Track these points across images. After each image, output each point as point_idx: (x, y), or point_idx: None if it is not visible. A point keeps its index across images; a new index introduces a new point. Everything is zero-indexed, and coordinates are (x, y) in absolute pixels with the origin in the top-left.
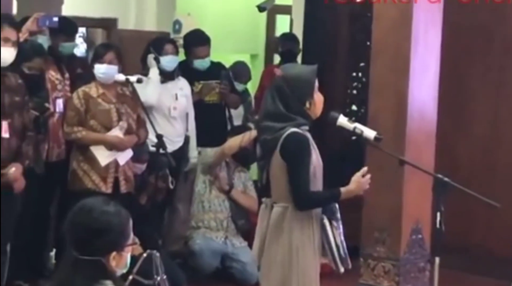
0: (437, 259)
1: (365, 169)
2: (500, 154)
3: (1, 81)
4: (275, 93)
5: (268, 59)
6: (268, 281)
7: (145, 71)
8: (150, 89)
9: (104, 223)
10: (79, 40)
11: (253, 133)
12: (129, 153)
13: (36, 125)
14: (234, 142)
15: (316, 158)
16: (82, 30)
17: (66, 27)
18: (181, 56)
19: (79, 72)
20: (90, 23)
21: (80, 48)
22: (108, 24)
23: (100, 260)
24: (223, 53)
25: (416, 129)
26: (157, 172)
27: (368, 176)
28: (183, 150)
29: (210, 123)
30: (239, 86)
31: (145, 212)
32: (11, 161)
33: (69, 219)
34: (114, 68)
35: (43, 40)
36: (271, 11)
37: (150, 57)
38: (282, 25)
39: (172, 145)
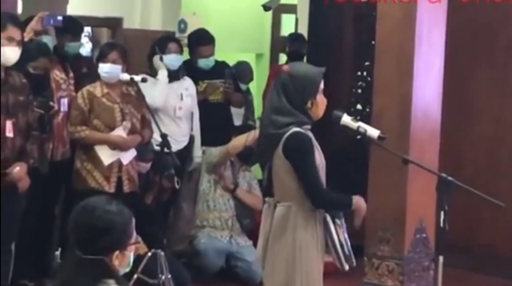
0: (441, 258)
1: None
2: (504, 153)
3: (5, 81)
4: (280, 88)
5: (274, 59)
6: (271, 280)
7: (151, 71)
8: (158, 90)
9: (107, 222)
10: (84, 39)
11: (257, 132)
12: (132, 153)
13: (41, 123)
14: (238, 141)
15: (318, 158)
16: (87, 29)
17: (72, 27)
18: (186, 55)
19: (85, 71)
20: (96, 22)
21: (85, 47)
22: (113, 23)
23: (103, 259)
24: (228, 53)
25: (420, 128)
26: (163, 172)
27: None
28: (187, 149)
29: (215, 122)
30: (241, 86)
31: (150, 211)
32: (15, 161)
33: (71, 219)
34: (118, 67)
35: (48, 40)
36: (277, 10)
37: (156, 59)
38: (288, 24)
39: (177, 145)
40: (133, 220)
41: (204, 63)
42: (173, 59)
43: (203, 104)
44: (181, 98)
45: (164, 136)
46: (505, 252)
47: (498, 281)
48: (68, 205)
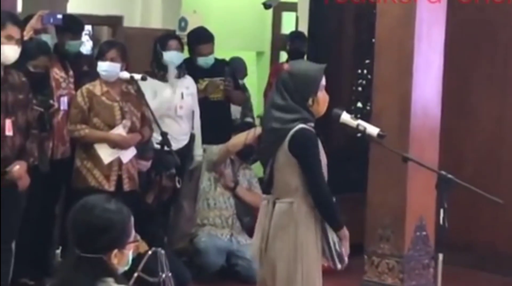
0: (441, 256)
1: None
2: (504, 151)
3: (4, 79)
4: (281, 86)
5: (274, 57)
6: (272, 278)
7: (157, 68)
8: (166, 94)
9: (106, 221)
10: (85, 37)
11: (257, 130)
12: (132, 151)
13: (41, 122)
14: (238, 139)
15: (321, 155)
16: (88, 27)
17: (72, 25)
18: (185, 54)
19: (85, 69)
20: (96, 20)
21: (86, 45)
22: (114, 21)
23: (101, 258)
24: (229, 51)
25: (420, 126)
26: (164, 171)
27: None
28: (188, 148)
29: (215, 120)
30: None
31: (151, 210)
32: (15, 159)
33: (70, 217)
34: (116, 65)
35: (48, 38)
36: (277, 8)
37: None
38: (288, 22)
39: (178, 143)
40: (132, 219)
41: (204, 61)
42: (174, 56)
43: (204, 102)
44: (182, 97)
45: (164, 134)
46: (505, 250)
47: (498, 279)
48: (68, 204)
